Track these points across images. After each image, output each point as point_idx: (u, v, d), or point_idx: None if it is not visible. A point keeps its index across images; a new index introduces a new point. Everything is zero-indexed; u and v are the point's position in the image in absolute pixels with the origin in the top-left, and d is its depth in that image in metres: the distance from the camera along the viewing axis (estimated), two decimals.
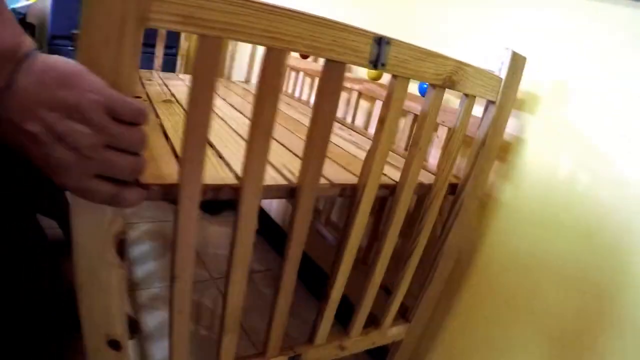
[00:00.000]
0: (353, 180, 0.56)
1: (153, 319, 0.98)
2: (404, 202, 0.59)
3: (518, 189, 0.73)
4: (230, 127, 0.74)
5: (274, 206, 1.50)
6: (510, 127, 0.72)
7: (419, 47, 0.50)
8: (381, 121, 0.51)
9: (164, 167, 0.47)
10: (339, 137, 0.85)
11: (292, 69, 1.29)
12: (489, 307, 0.77)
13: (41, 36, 1.49)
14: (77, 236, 0.38)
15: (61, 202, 1.03)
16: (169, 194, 0.42)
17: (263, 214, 1.55)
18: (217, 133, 0.68)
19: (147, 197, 0.41)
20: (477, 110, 0.66)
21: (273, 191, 0.49)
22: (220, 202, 1.65)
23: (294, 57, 1.26)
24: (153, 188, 0.41)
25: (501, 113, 0.65)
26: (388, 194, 0.58)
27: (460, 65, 0.56)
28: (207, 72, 0.37)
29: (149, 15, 0.33)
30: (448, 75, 0.55)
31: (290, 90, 1.32)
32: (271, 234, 1.47)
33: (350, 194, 0.55)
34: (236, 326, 0.54)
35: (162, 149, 0.54)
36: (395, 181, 0.59)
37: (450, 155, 0.62)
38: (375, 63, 0.46)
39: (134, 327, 0.91)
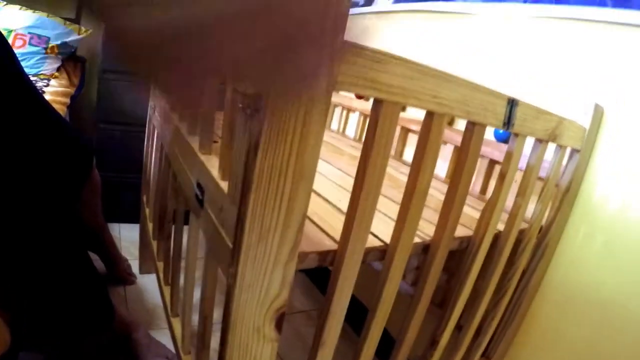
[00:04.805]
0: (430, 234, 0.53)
1: None
2: (507, 250, 0.60)
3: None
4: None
5: None
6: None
7: (534, 106, 0.52)
8: (502, 176, 0.52)
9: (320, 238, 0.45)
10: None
11: (346, 108, 1.29)
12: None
13: (92, 70, 1.49)
14: (237, 311, 0.35)
15: (102, 240, 1.11)
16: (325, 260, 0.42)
17: None
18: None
19: (304, 265, 0.41)
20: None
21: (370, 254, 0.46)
22: None
23: (347, 97, 1.26)
24: (310, 256, 0.41)
25: (584, 160, 0.68)
26: (491, 243, 0.59)
27: (561, 120, 0.59)
28: (385, 136, 0.38)
29: (337, 79, 0.34)
30: (552, 129, 0.57)
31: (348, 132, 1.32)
32: (314, 270, 1.45)
33: (464, 247, 0.56)
34: None
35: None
36: (499, 230, 0.60)
37: (545, 203, 0.63)
38: (508, 124, 0.48)
39: None
